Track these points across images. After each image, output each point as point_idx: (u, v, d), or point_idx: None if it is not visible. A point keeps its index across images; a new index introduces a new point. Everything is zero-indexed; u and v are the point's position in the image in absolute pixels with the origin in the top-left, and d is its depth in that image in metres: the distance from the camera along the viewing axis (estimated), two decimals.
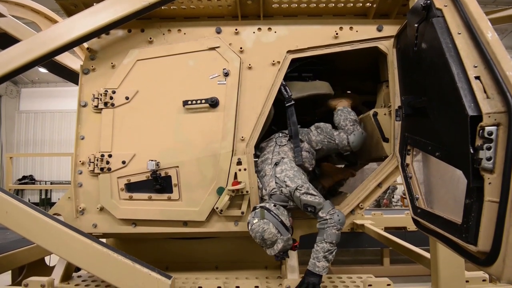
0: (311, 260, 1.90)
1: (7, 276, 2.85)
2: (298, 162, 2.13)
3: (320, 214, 1.92)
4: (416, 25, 1.62)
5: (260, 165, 2.19)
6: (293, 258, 2.14)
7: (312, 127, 2.35)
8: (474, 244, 1.16)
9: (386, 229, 3.71)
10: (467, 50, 1.28)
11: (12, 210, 1.85)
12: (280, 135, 2.32)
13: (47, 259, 3.04)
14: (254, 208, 1.93)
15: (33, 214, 1.86)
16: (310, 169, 2.26)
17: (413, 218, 1.73)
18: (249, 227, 1.85)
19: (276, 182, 2.00)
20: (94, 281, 2.15)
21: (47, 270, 2.88)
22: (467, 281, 1.95)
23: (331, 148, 2.29)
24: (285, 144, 2.25)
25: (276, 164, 2.09)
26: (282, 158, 2.13)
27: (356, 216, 2.33)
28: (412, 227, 3.77)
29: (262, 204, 1.93)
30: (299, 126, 2.31)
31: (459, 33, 1.34)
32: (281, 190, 1.96)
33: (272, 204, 1.91)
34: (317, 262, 1.86)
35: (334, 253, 1.89)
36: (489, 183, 1.11)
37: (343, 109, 2.35)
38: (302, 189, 1.92)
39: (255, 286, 1.94)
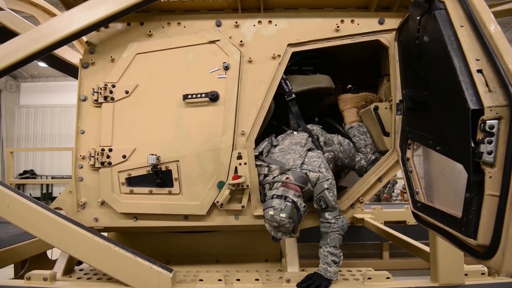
0: (321, 265, 1.88)
1: (9, 269, 2.88)
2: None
3: (326, 215, 1.92)
4: (418, 17, 1.60)
5: (289, 145, 2.16)
6: (293, 252, 2.15)
7: (335, 139, 2.35)
8: (474, 237, 1.17)
9: (386, 223, 3.73)
10: (469, 43, 1.27)
11: (13, 204, 1.86)
12: (314, 131, 2.33)
13: (49, 252, 3.07)
14: (284, 197, 1.78)
15: (35, 208, 1.87)
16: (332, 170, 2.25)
17: (413, 212, 1.74)
18: (271, 212, 1.74)
19: (304, 163, 1.98)
20: (96, 274, 2.16)
21: (49, 264, 2.91)
22: (466, 275, 1.96)
23: (347, 167, 2.43)
24: (313, 142, 2.29)
25: (310, 150, 2.12)
26: (315, 148, 2.18)
27: (356, 210, 2.33)
28: (411, 221, 3.79)
29: (294, 198, 1.78)
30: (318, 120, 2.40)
31: (462, 26, 1.33)
32: (308, 172, 1.94)
33: (303, 205, 1.84)
34: (329, 267, 1.85)
35: (341, 255, 1.89)
36: (490, 177, 1.11)
37: (359, 128, 2.37)
38: (331, 185, 1.93)
39: (256, 279, 1.96)
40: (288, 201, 1.76)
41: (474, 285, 1.93)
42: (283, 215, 1.73)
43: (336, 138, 2.38)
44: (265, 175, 2.04)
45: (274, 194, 1.82)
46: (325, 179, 1.93)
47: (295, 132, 2.31)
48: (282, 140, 2.26)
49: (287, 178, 1.92)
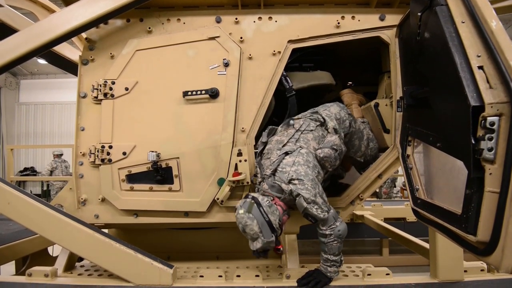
0: (322, 263, 1.84)
1: (11, 266, 2.89)
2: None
3: (320, 226, 1.77)
4: (419, 14, 1.59)
5: (274, 144, 1.96)
6: (293, 248, 2.16)
7: (365, 133, 2.23)
8: (474, 234, 1.17)
9: (386, 220, 3.73)
10: (470, 39, 1.26)
11: (14, 201, 1.86)
12: (313, 117, 2.05)
13: (50, 249, 3.08)
14: (247, 196, 1.78)
15: (36, 205, 1.88)
16: (330, 169, 1.97)
17: (413, 209, 1.74)
18: (235, 214, 1.72)
19: (276, 171, 1.79)
20: (96, 270, 2.17)
21: (50, 260, 2.92)
22: (465, 271, 1.97)
23: (357, 163, 2.35)
24: (311, 130, 1.98)
25: (288, 153, 1.84)
26: (300, 147, 1.88)
27: (356, 206, 2.33)
28: (411, 218, 3.80)
29: (255, 195, 1.75)
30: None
31: (463, 22, 1.32)
32: (280, 184, 1.77)
33: (266, 200, 1.72)
34: (329, 267, 1.82)
35: (341, 259, 1.83)
36: (490, 174, 1.11)
37: (369, 125, 2.36)
38: (310, 198, 1.69)
39: (256, 275, 1.96)
40: (247, 198, 1.73)
41: (474, 281, 1.93)
42: (241, 211, 1.68)
43: (367, 132, 2.21)
44: (255, 175, 2.01)
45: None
46: (297, 193, 1.70)
47: (291, 121, 2.08)
48: (276, 134, 2.09)
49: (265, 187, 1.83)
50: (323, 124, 2.04)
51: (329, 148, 1.91)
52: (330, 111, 2.10)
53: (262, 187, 1.86)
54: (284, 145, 1.91)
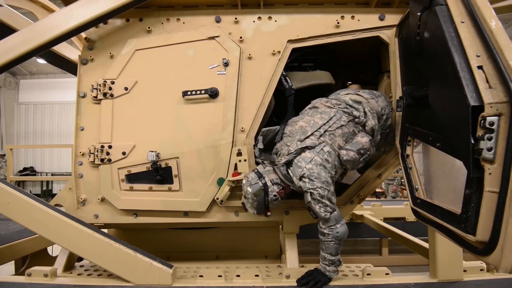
0: (321, 262, 1.84)
1: (10, 266, 2.89)
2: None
3: (321, 224, 1.79)
4: (419, 13, 1.59)
5: (296, 129, 1.87)
6: (293, 248, 2.16)
7: (388, 139, 2.05)
8: (473, 234, 1.17)
9: (386, 220, 3.73)
10: (470, 39, 1.26)
11: (14, 201, 1.86)
12: (349, 109, 1.88)
13: (49, 249, 3.08)
14: (260, 177, 1.84)
15: (35, 205, 1.88)
16: (351, 170, 1.94)
17: (412, 209, 1.74)
18: (244, 181, 1.88)
19: (292, 162, 1.79)
20: (96, 270, 2.17)
21: (50, 260, 2.92)
22: (464, 271, 1.97)
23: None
24: (341, 126, 1.83)
25: (309, 148, 1.78)
26: (323, 143, 1.79)
27: (355, 206, 2.33)
28: (411, 217, 3.80)
29: (268, 182, 1.82)
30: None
31: (463, 22, 1.32)
32: (292, 177, 1.80)
33: (274, 193, 1.83)
34: (327, 267, 1.83)
35: (339, 260, 1.83)
36: (489, 174, 1.11)
37: None
38: (315, 196, 1.71)
39: (255, 275, 1.96)
40: (261, 181, 1.84)
41: (473, 281, 1.93)
42: (249, 189, 1.83)
43: (391, 135, 2.03)
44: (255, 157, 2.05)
45: (256, 169, 1.92)
46: (305, 189, 1.73)
47: (320, 106, 1.94)
48: (302, 116, 1.96)
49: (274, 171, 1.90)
50: (358, 119, 1.88)
51: (355, 152, 1.79)
52: (377, 103, 1.95)
53: (276, 165, 1.91)
54: (307, 137, 1.81)
